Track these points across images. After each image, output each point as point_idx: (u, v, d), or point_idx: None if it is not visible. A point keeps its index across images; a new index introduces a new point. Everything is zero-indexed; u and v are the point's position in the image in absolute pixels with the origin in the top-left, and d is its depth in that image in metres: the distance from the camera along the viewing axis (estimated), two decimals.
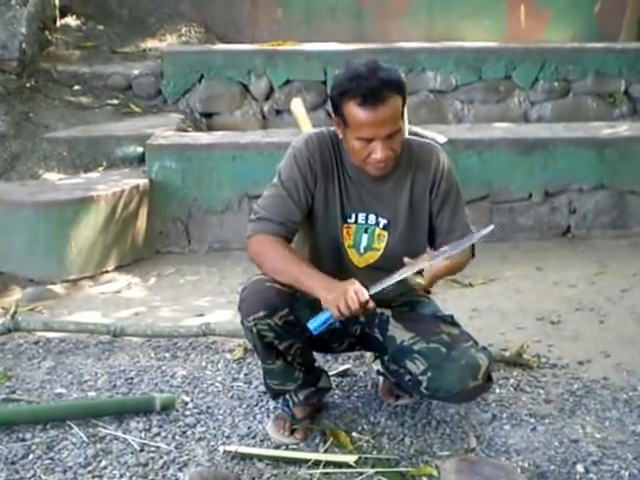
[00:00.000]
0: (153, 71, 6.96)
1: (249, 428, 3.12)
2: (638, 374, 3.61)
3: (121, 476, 2.81)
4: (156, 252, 5.46)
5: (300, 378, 3.02)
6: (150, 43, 7.69)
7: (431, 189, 2.96)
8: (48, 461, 2.90)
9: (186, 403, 3.32)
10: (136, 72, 6.96)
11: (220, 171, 5.51)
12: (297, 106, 5.83)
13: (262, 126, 6.85)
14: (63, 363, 3.74)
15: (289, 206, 2.87)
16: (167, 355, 3.84)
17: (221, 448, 2.96)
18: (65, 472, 2.84)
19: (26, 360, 3.79)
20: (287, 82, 6.96)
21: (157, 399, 3.23)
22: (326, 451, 2.95)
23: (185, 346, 3.92)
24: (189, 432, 3.09)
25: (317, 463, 2.85)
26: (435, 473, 2.83)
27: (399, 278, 2.73)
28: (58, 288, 4.78)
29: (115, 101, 6.76)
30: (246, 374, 3.59)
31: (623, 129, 6.01)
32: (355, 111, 2.71)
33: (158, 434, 3.07)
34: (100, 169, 5.74)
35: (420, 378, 2.83)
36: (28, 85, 6.49)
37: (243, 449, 2.94)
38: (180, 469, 2.85)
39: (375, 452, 2.96)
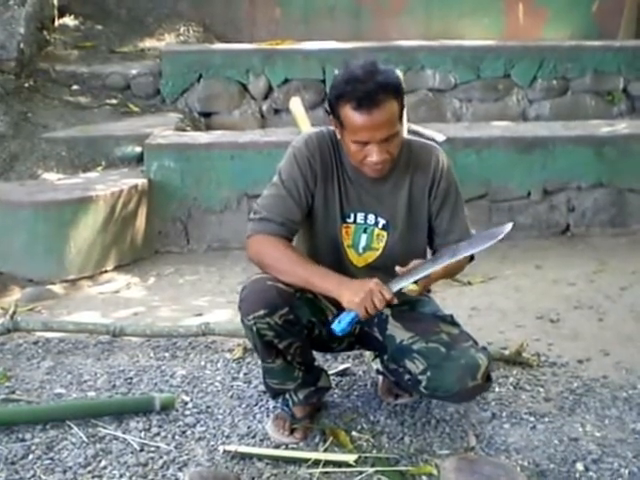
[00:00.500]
0: (152, 71, 6.96)
1: (249, 428, 3.12)
2: (637, 372, 3.61)
3: (121, 476, 2.81)
4: (155, 252, 5.46)
5: (300, 377, 3.02)
6: (148, 43, 7.69)
7: (430, 190, 2.96)
8: (48, 461, 2.90)
9: (186, 403, 3.31)
10: (134, 72, 6.96)
11: (219, 170, 5.51)
12: (296, 105, 5.84)
13: (261, 125, 6.86)
14: (62, 363, 3.74)
15: (289, 206, 2.88)
16: (166, 355, 3.84)
17: (221, 448, 2.96)
18: (65, 472, 2.84)
19: (25, 360, 3.78)
20: (286, 81, 6.96)
21: (157, 399, 3.23)
22: (326, 450, 2.95)
23: (184, 346, 3.92)
24: (189, 432, 3.09)
25: (317, 462, 2.85)
26: (435, 472, 2.83)
27: (422, 275, 2.73)
28: (57, 288, 4.79)
29: (114, 101, 6.77)
30: (246, 374, 3.59)
31: (622, 127, 6.02)
32: (351, 115, 2.71)
33: (158, 434, 3.07)
34: (99, 169, 5.74)
35: (419, 378, 2.83)
36: (26, 85, 6.50)
37: (243, 449, 2.94)
38: (180, 469, 2.85)
39: (375, 451, 2.96)
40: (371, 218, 2.95)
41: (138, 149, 5.75)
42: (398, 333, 2.93)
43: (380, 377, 3.35)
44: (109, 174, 5.59)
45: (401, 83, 2.80)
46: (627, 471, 2.86)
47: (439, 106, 7.08)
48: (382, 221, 2.95)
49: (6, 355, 3.84)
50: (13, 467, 2.86)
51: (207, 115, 6.94)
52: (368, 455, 2.92)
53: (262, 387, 3.25)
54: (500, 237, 2.75)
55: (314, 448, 2.98)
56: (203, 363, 3.72)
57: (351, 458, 2.86)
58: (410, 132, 5.43)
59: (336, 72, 2.88)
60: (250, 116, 6.98)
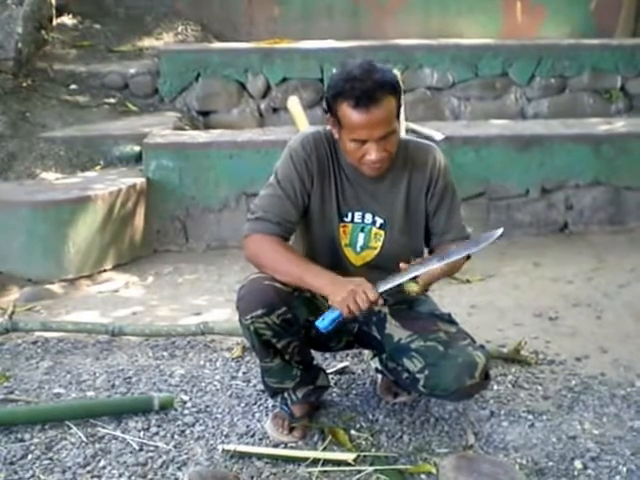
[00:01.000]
0: (150, 70, 6.96)
1: (248, 427, 3.12)
2: (635, 370, 3.62)
3: (120, 476, 2.81)
4: (154, 251, 5.46)
5: (298, 376, 3.03)
6: (147, 42, 7.69)
7: (427, 189, 2.96)
8: (47, 461, 2.90)
9: (185, 402, 3.32)
10: (133, 71, 6.96)
11: (217, 169, 5.51)
12: (294, 104, 5.85)
13: (259, 124, 6.86)
14: (61, 363, 3.74)
15: (286, 206, 2.88)
16: (165, 354, 3.84)
17: (220, 447, 2.96)
18: (64, 472, 2.84)
19: (24, 360, 3.79)
20: (284, 80, 6.96)
21: (156, 398, 3.23)
22: (325, 449, 2.96)
23: (183, 345, 3.92)
24: (188, 431, 3.10)
25: (316, 461, 2.86)
26: (434, 470, 2.83)
27: (409, 276, 2.73)
28: (56, 288, 4.79)
29: (112, 100, 6.77)
30: (244, 373, 3.59)
31: (619, 125, 6.03)
32: (348, 113, 2.71)
33: (157, 433, 3.08)
34: (97, 168, 5.74)
35: (418, 376, 2.83)
36: (25, 84, 6.49)
37: (242, 448, 2.94)
38: (179, 468, 2.85)
39: (374, 450, 2.97)
40: (368, 217, 2.95)
41: (136, 148, 5.75)
42: (396, 332, 2.94)
43: (379, 376, 3.35)
44: (107, 173, 5.59)
45: (398, 81, 2.80)
46: (625, 468, 2.87)
47: (437, 104, 7.09)
48: (379, 220, 2.95)
49: (5, 355, 3.84)
50: (12, 467, 2.87)
51: (205, 114, 6.94)
52: (367, 454, 2.93)
53: (261, 386, 3.26)
54: (490, 242, 2.77)
55: (313, 447, 2.99)
56: (202, 362, 3.73)
57: (350, 457, 2.86)
58: (408, 131, 5.44)
59: (334, 71, 2.88)
60: (248, 115, 6.98)
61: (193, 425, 3.14)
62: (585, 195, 5.67)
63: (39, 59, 6.94)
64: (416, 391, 3.00)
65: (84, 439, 3.03)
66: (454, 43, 7.33)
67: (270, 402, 3.25)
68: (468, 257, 3.01)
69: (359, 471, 2.82)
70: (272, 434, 3.05)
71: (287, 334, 2.84)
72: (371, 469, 2.83)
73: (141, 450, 2.97)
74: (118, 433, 3.07)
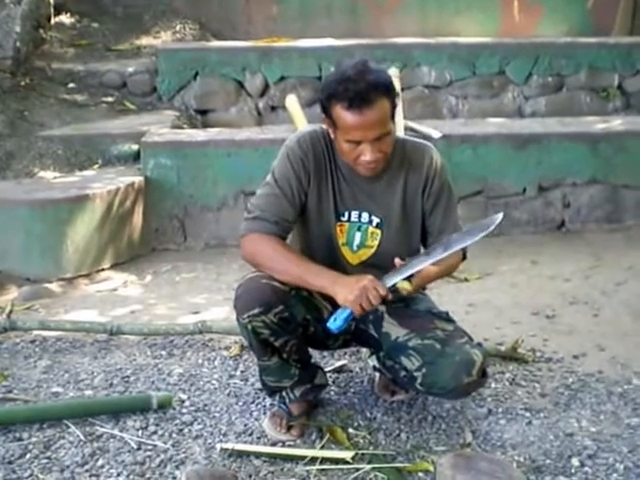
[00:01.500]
0: (148, 68, 6.96)
1: (246, 425, 3.13)
2: (632, 367, 3.63)
3: (118, 475, 2.82)
4: (152, 250, 5.47)
5: (296, 375, 3.03)
6: (145, 40, 7.68)
7: (424, 189, 2.97)
8: (45, 460, 2.91)
9: (183, 401, 3.32)
10: (131, 70, 6.96)
11: (215, 168, 5.51)
12: (292, 103, 5.85)
13: (257, 123, 6.87)
14: (59, 362, 3.74)
15: (283, 205, 2.88)
16: (163, 353, 3.84)
17: (218, 446, 2.96)
18: (62, 471, 2.84)
19: (22, 359, 3.79)
20: (282, 79, 6.97)
21: (154, 397, 3.23)
22: (323, 447, 2.96)
23: (181, 344, 3.93)
24: (186, 430, 3.10)
25: (314, 459, 2.86)
26: (431, 468, 2.84)
27: (416, 269, 2.74)
28: (54, 287, 4.79)
29: (110, 99, 6.77)
30: (242, 371, 3.59)
31: (617, 123, 6.03)
32: (342, 114, 2.72)
33: (155, 432, 3.08)
34: (95, 167, 5.75)
35: (415, 374, 2.84)
36: (23, 83, 6.50)
37: (240, 446, 2.94)
38: (177, 467, 2.86)
39: (371, 448, 2.97)
40: (365, 216, 2.96)
41: (134, 147, 5.75)
42: (394, 330, 2.94)
43: (377, 374, 3.36)
44: (105, 172, 5.60)
45: (392, 82, 2.80)
46: (622, 466, 2.87)
47: (435, 103, 7.10)
48: (376, 219, 2.96)
49: (3, 354, 3.84)
50: (10, 466, 2.87)
51: (203, 113, 6.94)
52: (365, 452, 2.93)
53: (259, 385, 3.26)
54: (491, 228, 2.76)
55: (311, 445, 2.99)
56: (200, 361, 3.73)
57: (348, 455, 2.87)
58: (406, 129, 5.45)
59: (332, 70, 2.88)
60: (246, 113, 6.99)
61: (191, 424, 3.14)
62: (582, 193, 5.68)
63: (37, 58, 6.94)
64: (414, 389, 3.01)
65: (82, 438, 3.03)
66: (452, 42, 7.34)
67: (268, 401, 3.26)
68: (464, 257, 3.02)
69: (357, 469, 2.82)
70: (270, 432, 3.06)
71: (284, 333, 2.85)
72: (369, 467, 2.83)
73: (139, 449, 2.97)
74: (116, 432, 3.07)
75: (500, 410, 3.25)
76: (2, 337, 3.99)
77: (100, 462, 2.89)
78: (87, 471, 2.84)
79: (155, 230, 5.50)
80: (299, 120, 5.58)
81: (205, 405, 3.29)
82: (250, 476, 2.80)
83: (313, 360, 3.20)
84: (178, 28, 7.92)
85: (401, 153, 2.95)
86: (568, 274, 4.86)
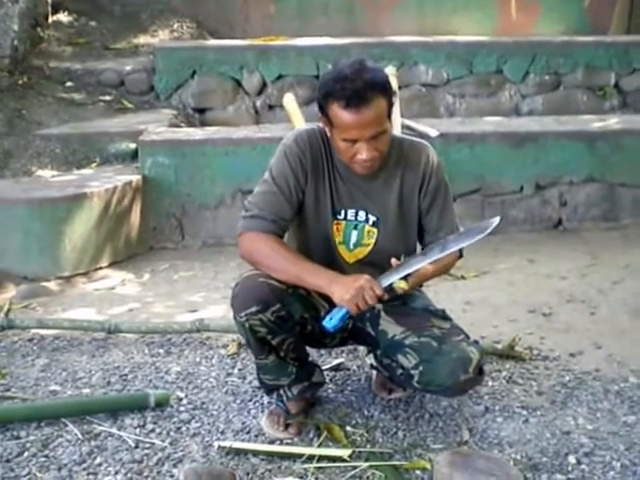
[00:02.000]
0: (145, 67, 6.98)
1: (243, 423, 3.13)
2: (629, 365, 3.63)
3: (116, 473, 2.82)
4: (150, 248, 5.47)
5: (293, 373, 3.04)
6: (142, 39, 7.70)
7: (420, 187, 2.97)
8: (43, 459, 2.91)
9: (180, 399, 3.32)
10: (128, 68, 6.97)
11: (213, 167, 5.52)
12: (289, 101, 5.85)
13: (255, 121, 6.88)
14: (57, 360, 3.75)
15: (280, 203, 2.89)
16: (161, 351, 3.85)
17: (216, 444, 2.97)
18: (60, 469, 2.84)
19: (20, 358, 3.79)
20: (279, 77, 6.98)
21: (151, 395, 3.24)
22: (320, 445, 2.96)
23: (179, 342, 3.93)
24: (184, 428, 3.10)
25: (311, 457, 2.86)
26: (428, 466, 2.84)
27: (412, 269, 2.74)
28: (52, 285, 4.79)
29: (107, 97, 6.78)
30: (240, 369, 3.60)
31: (613, 122, 6.04)
32: (339, 113, 2.72)
33: (153, 430, 3.08)
34: (93, 166, 5.75)
35: (412, 372, 2.84)
36: (20, 82, 6.50)
37: (238, 444, 2.95)
38: (175, 465, 2.86)
39: (369, 446, 2.98)
40: (361, 215, 2.96)
41: (132, 146, 5.76)
42: (390, 328, 2.95)
43: (374, 372, 3.37)
44: (103, 171, 5.60)
45: (389, 81, 2.81)
46: (619, 464, 2.87)
47: (432, 101, 7.12)
48: (372, 218, 2.96)
49: (1, 353, 3.84)
50: (8, 465, 2.87)
51: (201, 111, 6.95)
52: (362, 450, 2.94)
53: (256, 383, 3.26)
54: (488, 231, 2.76)
55: (308, 443, 3.00)
56: (198, 359, 3.74)
57: (345, 453, 2.87)
58: (404, 127, 5.45)
59: (329, 68, 2.89)
60: (244, 112, 7.00)
61: (189, 422, 3.15)
62: (579, 192, 5.69)
63: (35, 57, 6.95)
64: (411, 387, 3.02)
65: (80, 436, 3.04)
66: (449, 40, 7.36)
67: (266, 399, 3.26)
68: (460, 255, 3.03)
69: (354, 467, 2.83)
70: (268, 431, 3.06)
71: (282, 331, 2.85)
72: (366, 465, 2.84)
73: (137, 447, 2.98)
74: (114, 430, 3.08)
75: (497, 408, 3.25)
76: (0, 335, 3.99)
77: (98, 460, 2.90)
78: (85, 469, 2.84)
79: (153, 229, 5.51)
80: (296, 119, 5.58)
81: (203, 403, 3.29)
82: (248, 474, 2.80)
83: (310, 358, 3.21)
84: (176, 27, 7.93)
85: (398, 152, 2.96)
86: (565, 272, 4.86)
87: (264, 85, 6.99)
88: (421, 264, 2.76)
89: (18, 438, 3.03)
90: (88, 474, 2.82)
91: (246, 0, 8.27)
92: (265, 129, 5.91)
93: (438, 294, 4.22)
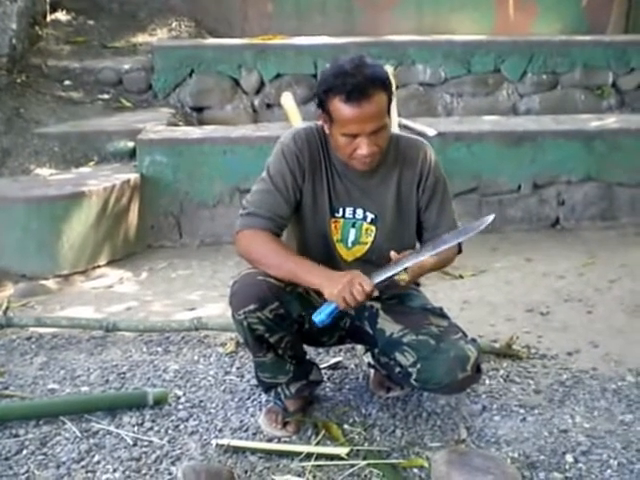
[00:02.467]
0: (144, 66, 6.97)
1: (241, 421, 3.14)
2: (626, 364, 3.64)
3: (114, 470, 2.83)
4: (148, 246, 5.47)
5: (291, 371, 3.04)
6: (140, 38, 7.69)
7: (418, 184, 2.98)
8: (41, 456, 2.92)
9: (178, 397, 3.33)
10: (127, 67, 6.97)
11: (211, 165, 5.52)
12: (287, 100, 5.85)
13: (253, 120, 6.87)
14: (56, 359, 3.75)
15: (278, 201, 2.89)
16: (159, 349, 3.85)
17: (214, 442, 2.98)
18: (58, 467, 2.85)
19: (18, 356, 3.80)
20: (278, 76, 6.98)
21: (150, 394, 3.24)
22: (318, 443, 2.97)
23: (177, 340, 3.94)
24: (182, 426, 3.11)
25: (309, 455, 2.87)
26: (426, 464, 2.85)
27: (403, 267, 2.74)
28: (50, 283, 4.79)
29: (106, 96, 6.77)
30: (238, 368, 3.61)
31: (611, 121, 6.05)
32: (340, 107, 2.73)
33: (151, 428, 3.09)
34: (91, 164, 5.75)
35: (410, 370, 2.85)
36: (18, 81, 6.49)
37: (236, 442, 2.95)
38: (173, 463, 2.87)
39: (367, 444, 2.98)
40: (359, 213, 2.97)
41: (130, 144, 5.75)
42: (388, 326, 2.95)
43: (371, 370, 3.37)
44: (101, 169, 5.60)
45: (389, 77, 2.82)
46: (616, 462, 2.88)
47: (430, 100, 7.12)
48: (370, 215, 2.97)
49: None
50: (7, 463, 2.88)
51: (199, 110, 6.95)
52: (360, 448, 2.94)
53: (254, 381, 3.27)
54: (482, 227, 2.76)
55: (306, 441, 3.00)
56: (196, 357, 3.74)
57: (343, 451, 2.88)
58: (401, 126, 5.46)
59: (328, 66, 2.89)
60: (242, 111, 7.00)
61: (187, 420, 3.15)
62: (577, 191, 5.70)
63: (33, 55, 6.94)
64: (408, 385, 3.02)
65: (78, 434, 3.04)
66: (447, 39, 7.36)
67: (264, 397, 3.27)
68: (460, 251, 3.03)
69: (352, 465, 2.84)
70: (266, 429, 3.07)
71: (280, 329, 2.86)
72: (364, 463, 2.85)
73: (135, 445, 2.98)
74: (112, 428, 3.09)
75: (494, 406, 3.26)
76: None
77: (96, 458, 2.91)
78: (83, 467, 2.85)
79: (151, 227, 5.51)
80: (294, 118, 5.58)
81: (201, 401, 3.30)
82: (246, 472, 2.81)
83: (308, 357, 3.22)
84: (174, 25, 7.93)
85: (395, 149, 2.96)
86: (562, 271, 4.87)
87: (262, 84, 6.99)
88: (414, 261, 2.75)
89: (17, 436, 3.04)
90: (86, 472, 2.83)
91: None
92: (263, 128, 5.91)
93: (436, 293, 4.24)
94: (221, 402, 3.29)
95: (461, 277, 4.79)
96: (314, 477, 2.78)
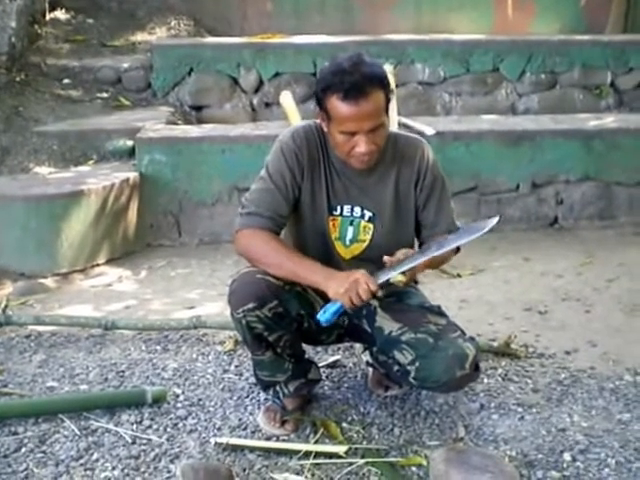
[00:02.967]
0: (143, 64, 6.97)
1: (240, 420, 3.14)
2: (624, 363, 3.65)
3: (113, 468, 2.83)
4: (147, 245, 5.47)
5: (290, 369, 3.05)
6: (140, 36, 7.70)
7: (416, 183, 2.99)
8: (40, 454, 2.92)
9: (177, 395, 3.33)
10: (126, 65, 6.97)
11: (210, 164, 5.52)
12: (286, 99, 5.85)
13: (252, 119, 6.88)
14: (55, 357, 3.76)
15: (277, 200, 2.90)
16: (158, 348, 3.86)
17: (212, 440, 2.98)
18: (57, 465, 2.85)
19: (17, 354, 3.80)
20: (276, 75, 6.98)
21: (148, 392, 3.24)
22: (316, 442, 2.98)
23: (176, 339, 3.94)
24: (180, 424, 3.11)
25: (308, 454, 2.87)
26: (424, 463, 2.85)
27: (408, 267, 2.75)
28: (49, 282, 4.80)
29: (105, 95, 6.78)
30: (237, 366, 3.61)
31: (609, 121, 6.06)
32: (338, 105, 2.73)
33: (150, 427, 3.09)
34: (90, 163, 5.75)
35: (408, 368, 2.85)
36: (18, 79, 6.49)
37: (234, 441, 2.96)
38: (172, 461, 2.87)
39: (365, 442, 2.99)
40: (357, 211, 2.97)
41: (129, 143, 5.75)
42: (387, 324, 2.95)
43: (370, 369, 3.38)
44: (100, 168, 5.60)
45: (387, 75, 2.82)
46: (614, 461, 2.89)
47: (429, 100, 7.12)
48: (368, 214, 2.97)
49: None
50: (6, 460, 2.88)
51: (198, 109, 6.95)
52: (358, 446, 2.95)
53: (253, 379, 3.27)
54: (486, 230, 2.78)
55: (305, 440, 3.01)
56: (194, 356, 3.75)
57: (341, 449, 2.88)
58: (400, 125, 5.46)
59: (325, 64, 2.90)
60: (241, 110, 7.00)
61: (186, 418, 3.16)
62: (575, 190, 5.71)
63: (32, 54, 6.94)
64: (407, 383, 3.02)
65: (77, 432, 3.05)
66: (445, 39, 7.37)
67: (262, 395, 3.27)
68: (457, 250, 3.03)
69: (350, 463, 2.84)
70: (264, 427, 3.07)
71: (279, 327, 2.86)
72: (362, 461, 2.85)
73: (134, 443, 2.99)
74: (111, 426, 3.09)
75: (493, 405, 3.27)
76: None
77: (95, 456, 2.91)
78: (82, 465, 2.86)
79: (150, 226, 5.51)
80: (293, 116, 5.59)
81: (199, 400, 3.30)
82: (244, 470, 2.82)
83: (307, 355, 3.22)
84: (173, 24, 7.93)
85: (393, 148, 2.97)
86: (560, 270, 4.88)
87: (261, 83, 6.99)
88: (418, 262, 2.76)
89: (15, 434, 3.04)
90: (85, 470, 2.83)
91: None
92: (262, 127, 5.92)
93: (434, 292, 4.24)
94: (220, 400, 3.29)
95: (459, 276, 4.79)
96: (312, 475, 2.79)
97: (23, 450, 2.95)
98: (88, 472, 2.82)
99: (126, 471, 2.82)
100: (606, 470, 2.85)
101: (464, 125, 5.88)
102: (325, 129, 2.87)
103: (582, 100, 7.15)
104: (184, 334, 3.97)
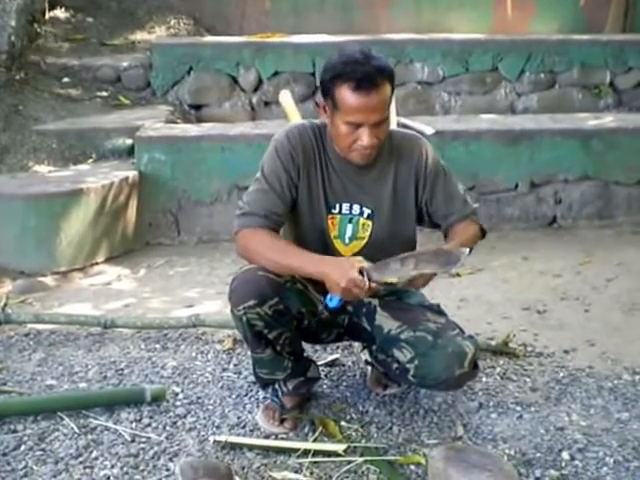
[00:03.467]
0: (142, 63, 6.98)
1: (239, 418, 3.14)
2: (623, 362, 3.65)
3: (112, 466, 2.83)
4: (146, 244, 5.48)
5: (289, 367, 3.05)
6: (139, 35, 7.71)
7: (416, 179, 2.99)
8: (39, 452, 2.92)
9: (176, 394, 3.33)
10: (125, 64, 6.98)
11: (209, 163, 5.53)
12: (286, 98, 5.85)
13: (251, 118, 6.89)
14: (54, 355, 3.76)
15: (273, 200, 2.89)
16: (157, 346, 3.86)
17: (211, 438, 2.98)
18: (57, 463, 2.85)
19: (17, 352, 3.80)
20: (276, 74, 6.99)
21: (147, 390, 3.24)
22: (315, 440, 2.97)
23: (175, 337, 3.94)
24: (179, 422, 3.11)
25: (306, 452, 2.87)
26: (423, 461, 2.85)
27: (405, 275, 2.75)
28: (48, 280, 4.80)
29: (104, 93, 6.79)
30: (236, 364, 3.61)
31: (608, 120, 6.07)
32: (348, 95, 2.73)
33: (149, 425, 3.09)
34: (89, 161, 5.76)
35: (407, 366, 2.85)
36: (17, 78, 6.49)
37: (233, 439, 2.96)
38: (171, 459, 2.87)
39: (364, 441, 2.98)
40: (356, 208, 2.97)
41: (129, 141, 5.76)
42: (386, 323, 2.96)
43: (369, 368, 3.38)
44: (100, 166, 5.61)
45: (393, 70, 2.84)
46: (612, 460, 2.88)
47: (428, 99, 7.13)
48: (367, 211, 2.97)
49: None
50: (5, 458, 2.87)
51: (197, 108, 6.96)
52: (357, 445, 2.94)
53: (252, 378, 3.27)
54: (458, 264, 2.87)
55: (304, 438, 3.00)
56: (194, 354, 3.75)
57: (340, 448, 2.88)
58: (399, 125, 5.46)
59: (331, 56, 2.89)
60: (240, 109, 7.01)
61: (185, 416, 3.16)
62: (574, 189, 5.71)
63: (32, 52, 6.95)
64: (406, 381, 3.03)
65: (76, 430, 3.04)
66: (445, 38, 7.38)
67: (261, 394, 3.27)
68: (483, 236, 3.10)
69: (349, 462, 2.83)
70: (263, 425, 3.07)
71: (279, 325, 2.86)
72: (361, 460, 2.85)
73: (133, 441, 2.98)
74: (110, 424, 3.09)
75: (491, 404, 3.27)
76: None
77: (94, 454, 2.90)
78: (81, 463, 2.85)
79: (149, 224, 5.52)
80: (292, 115, 5.59)
81: (198, 398, 3.30)
82: (243, 468, 2.81)
83: (306, 354, 3.22)
84: (172, 23, 7.94)
85: (390, 144, 2.97)
86: (559, 270, 4.88)
87: (260, 82, 7.00)
88: (413, 273, 2.77)
89: (15, 432, 3.04)
90: (84, 468, 2.83)
91: None
92: (261, 125, 5.92)
93: (433, 291, 4.22)
94: (219, 399, 3.29)
95: (458, 275, 4.80)
96: (311, 473, 2.79)
97: (22, 448, 2.94)
98: (87, 470, 2.82)
99: (125, 469, 2.81)
100: (604, 469, 2.84)
101: (463, 124, 5.89)
102: (327, 120, 2.86)
103: (581, 100, 7.16)
104: (183, 332, 3.97)
